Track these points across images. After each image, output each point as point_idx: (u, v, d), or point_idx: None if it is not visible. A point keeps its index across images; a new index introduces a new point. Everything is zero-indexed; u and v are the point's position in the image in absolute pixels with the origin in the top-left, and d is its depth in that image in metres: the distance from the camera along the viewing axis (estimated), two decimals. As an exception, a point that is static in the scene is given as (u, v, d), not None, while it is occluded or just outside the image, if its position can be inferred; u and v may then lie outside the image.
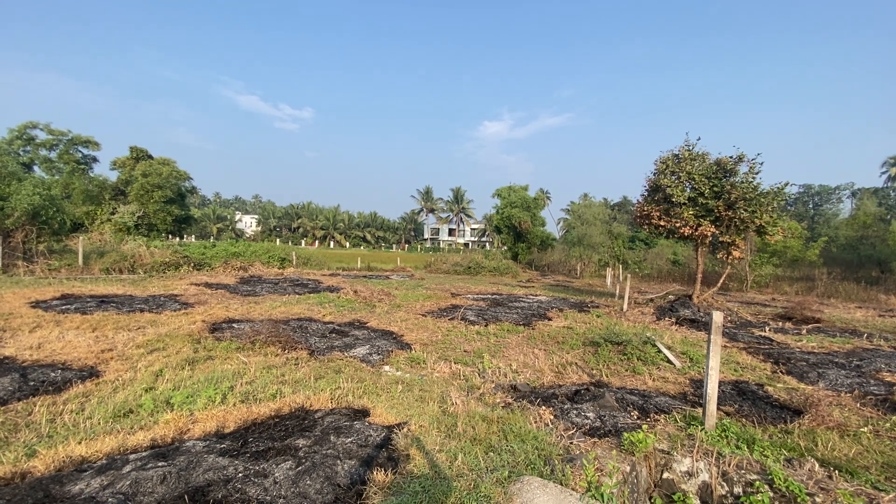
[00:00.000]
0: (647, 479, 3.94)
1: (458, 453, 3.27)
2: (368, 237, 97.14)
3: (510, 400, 5.11)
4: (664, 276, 31.57)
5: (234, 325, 8.57)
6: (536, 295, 17.86)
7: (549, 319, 11.47)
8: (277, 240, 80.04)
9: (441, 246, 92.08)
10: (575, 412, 4.69)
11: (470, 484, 2.75)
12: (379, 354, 7.05)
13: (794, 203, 54.19)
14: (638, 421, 4.58)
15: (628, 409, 4.95)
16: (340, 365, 6.16)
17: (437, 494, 2.65)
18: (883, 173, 54.80)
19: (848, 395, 6.06)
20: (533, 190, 43.40)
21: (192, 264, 19.57)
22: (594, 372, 6.81)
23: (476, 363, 6.85)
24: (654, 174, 14.45)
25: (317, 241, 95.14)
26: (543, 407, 4.78)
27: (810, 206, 54.75)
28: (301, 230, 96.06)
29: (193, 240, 51.48)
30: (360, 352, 7.15)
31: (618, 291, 18.49)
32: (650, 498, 3.92)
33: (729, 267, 15.48)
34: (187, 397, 4.46)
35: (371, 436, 3.68)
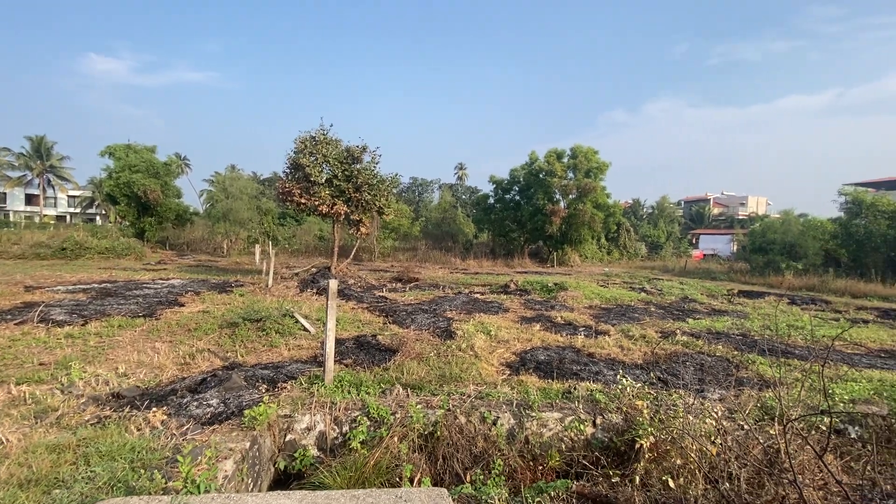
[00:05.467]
0: (272, 447, 4.07)
1: (-12, 514, 2.28)
2: None
3: (108, 412, 4.09)
4: (312, 250, 33.80)
5: None
6: (169, 279, 15.22)
7: (182, 305, 10.01)
8: None
9: (13, 219, 62.84)
10: (196, 403, 4.25)
11: (-3, 551, 1.97)
12: None
13: (406, 190, 69.60)
14: (266, 394, 4.65)
15: (258, 384, 4.95)
16: None
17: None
18: (455, 174, 78.68)
19: (426, 331, 8.34)
20: (165, 153, 36.24)
21: None
22: (229, 354, 6.45)
23: (60, 377, 5.12)
24: (295, 153, 14.98)
25: None
26: (155, 408, 4.10)
27: (416, 193, 71.99)
28: None
29: None
30: None
31: (265, 268, 18.29)
32: (275, 464, 4.09)
33: (360, 241, 18.21)
34: None
35: None
